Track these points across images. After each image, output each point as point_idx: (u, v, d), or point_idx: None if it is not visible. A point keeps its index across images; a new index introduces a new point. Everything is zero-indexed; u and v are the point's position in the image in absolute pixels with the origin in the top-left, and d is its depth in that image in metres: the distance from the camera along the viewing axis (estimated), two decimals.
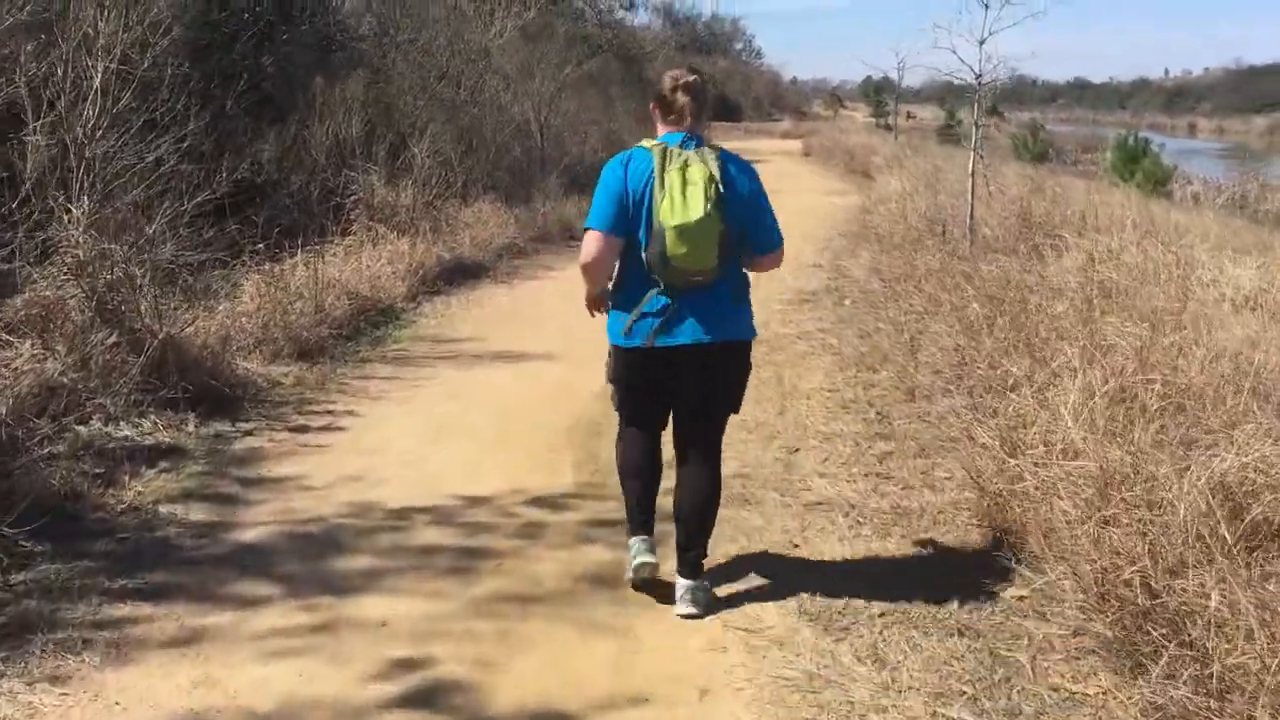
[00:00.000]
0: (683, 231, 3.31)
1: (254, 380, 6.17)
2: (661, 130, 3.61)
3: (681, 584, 3.60)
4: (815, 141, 30.99)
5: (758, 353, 6.90)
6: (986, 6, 8.77)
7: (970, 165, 9.14)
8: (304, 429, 5.55)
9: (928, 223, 10.05)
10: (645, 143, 3.55)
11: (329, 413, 5.83)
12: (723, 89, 45.37)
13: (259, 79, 10.49)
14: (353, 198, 9.58)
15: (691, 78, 3.60)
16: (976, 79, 9.03)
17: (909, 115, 46.68)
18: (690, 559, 3.62)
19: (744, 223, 3.47)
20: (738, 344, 3.57)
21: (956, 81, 9.23)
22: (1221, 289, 7.30)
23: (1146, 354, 4.51)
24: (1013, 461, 3.87)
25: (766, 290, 9.11)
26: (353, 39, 12.37)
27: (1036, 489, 3.56)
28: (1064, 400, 4.04)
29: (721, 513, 3.85)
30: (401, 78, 12.39)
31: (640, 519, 3.69)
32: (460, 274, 9.77)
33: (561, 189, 13.91)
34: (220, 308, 6.80)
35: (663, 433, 3.76)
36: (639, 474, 3.70)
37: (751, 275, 3.67)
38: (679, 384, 3.56)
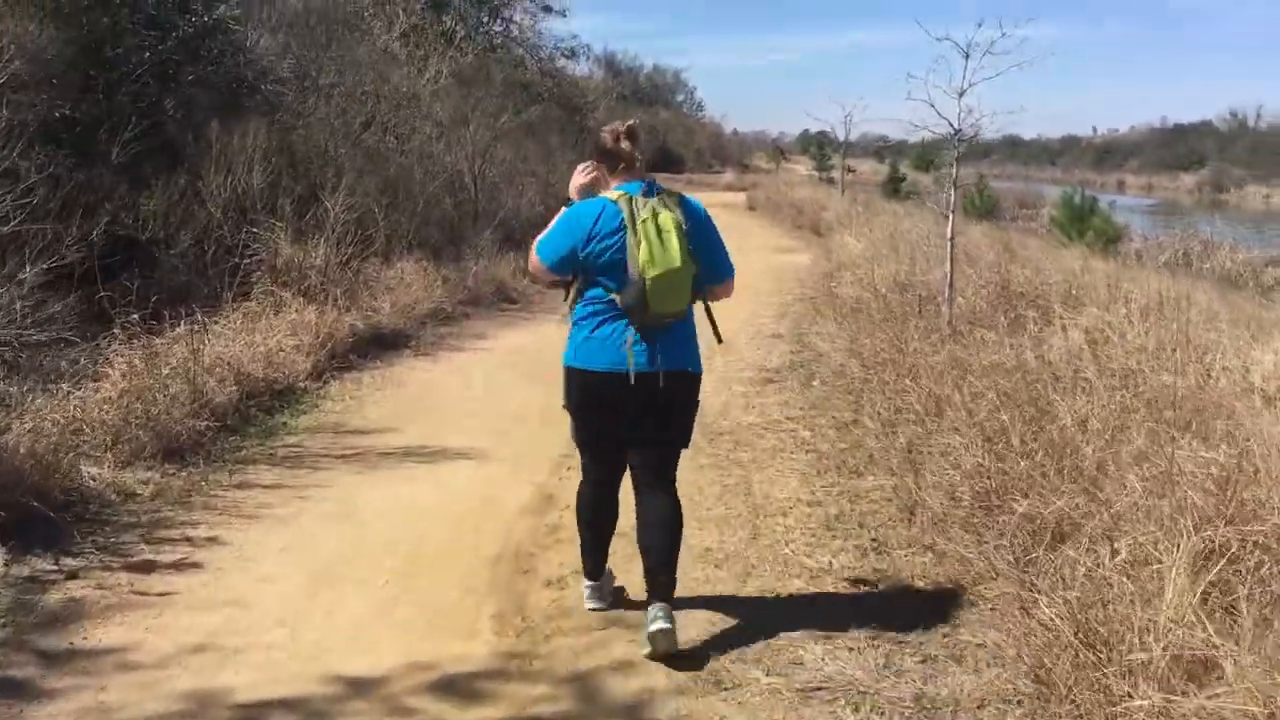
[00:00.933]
0: (664, 279, 3.46)
1: (100, 493, 4.92)
2: (615, 181, 3.71)
3: (655, 607, 3.62)
4: (760, 194, 30.24)
5: (720, 448, 5.77)
6: (967, 56, 7.85)
7: (949, 230, 8.16)
8: (148, 567, 4.29)
9: (899, 290, 9.06)
10: (608, 194, 3.63)
11: (186, 540, 4.58)
12: (665, 140, 44.79)
13: (159, 121, 9.30)
14: (253, 258, 8.36)
15: (630, 124, 3.76)
16: (954, 133, 8.09)
17: (850, 169, 46.33)
18: (661, 583, 3.67)
19: (704, 258, 3.62)
20: (689, 375, 3.71)
21: (930, 135, 8.27)
22: (1246, 376, 6.34)
23: (1232, 490, 3.46)
24: (1092, 658, 2.77)
25: (725, 366, 8.03)
26: (268, 81, 11.21)
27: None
28: (1147, 562, 2.96)
29: (691, 705, 3.29)
30: (322, 124, 11.24)
31: (593, 564, 3.91)
32: (377, 345, 8.57)
33: (495, 245, 12.79)
34: (71, 396, 5.54)
35: (620, 479, 3.84)
36: (594, 524, 3.87)
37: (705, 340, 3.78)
38: (631, 413, 3.64)
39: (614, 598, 3.99)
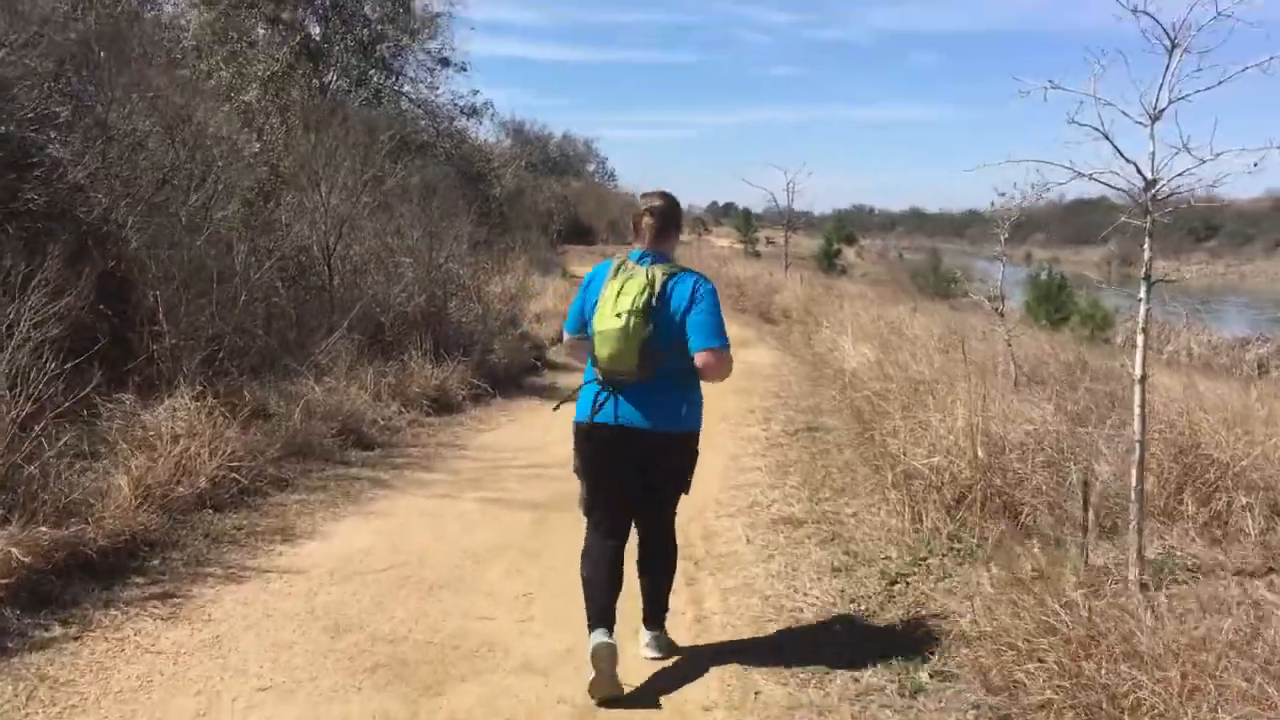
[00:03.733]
0: (605, 336, 3.65)
1: None
2: (634, 247, 3.88)
3: (645, 633, 3.97)
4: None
5: None
6: (1173, 45, 4.12)
7: (1138, 364, 4.34)
8: None
9: (999, 451, 5.25)
10: (614, 257, 3.89)
11: None
12: (576, 210, 41.19)
13: None
14: None
15: (657, 203, 3.88)
16: (1147, 186, 4.34)
17: (768, 240, 43.29)
18: (653, 611, 3.98)
19: (681, 327, 3.68)
20: (670, 435, 3.74)
21: (1114, 192, 4.45)
22: None
23: None
24: None
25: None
26: None
27: None
28: None
29: None
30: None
31: (600, 614, 3.73)
32: (81, 579, 4.44)
33: (352, 355, 8.74)
34: None
35: (626, 540, 3.88)
36: (598, 578, 3.78)
37: None
38: (623, 466, 3.77)
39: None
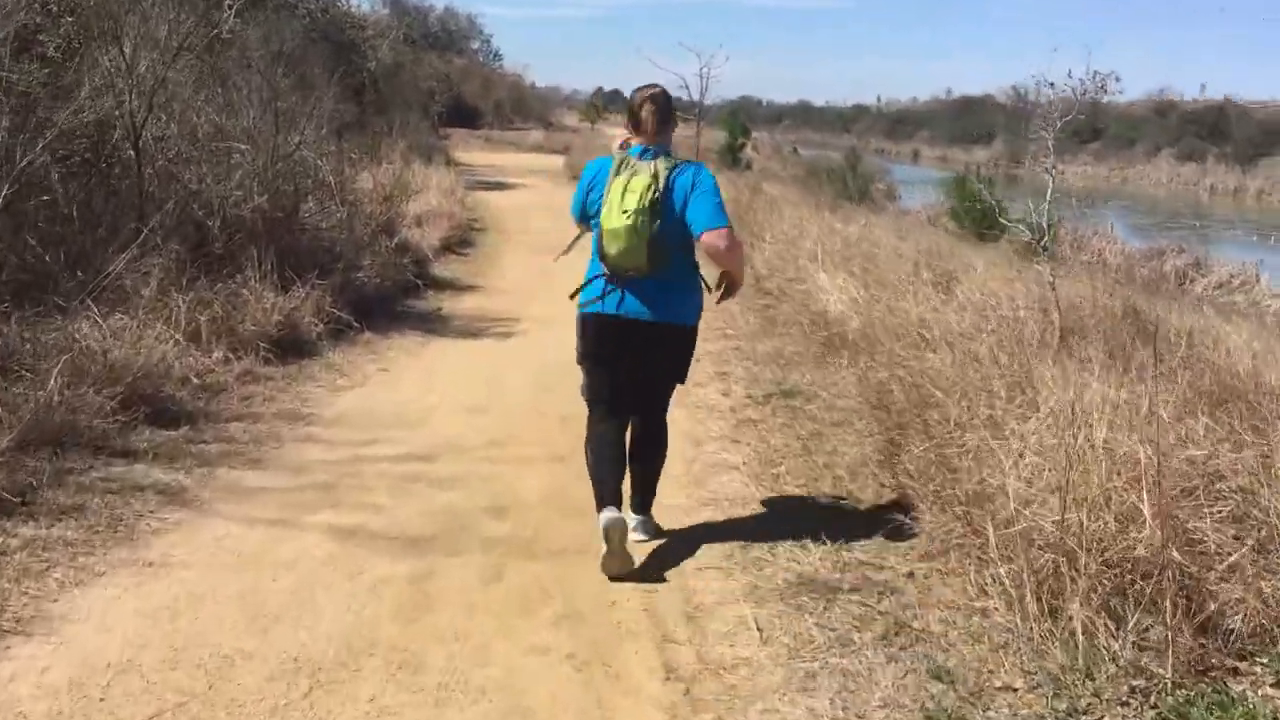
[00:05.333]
0: (614, 234, 3.69)
1: None
2: (633, 142, 3.91)
3: (633, 518, 4.00)
4: (581, 160, 24.11)
5: None
6: None
7: None
8: None
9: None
10: (615, 153, 3.90)
11: None
12: (460, 91, 37.74)
13: None
14: None
15: (654, 90, 3.91)
16: None
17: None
18: (643, 498, 4.09)
19: (683, 217, 3.74)
20: (672, 326, 3.89)
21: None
22: None
23: None
24: None
25: None
26: None
27: None
28: None
29: None
30: None
31: (608, 495, 3.80)
32: None
33: (168, 271, 6.30)
34: None
35: (627, 427, 3.98)
36: (603, 461, 3.92)
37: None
38: (625, 356, 3.88)
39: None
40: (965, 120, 77.57)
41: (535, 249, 12.15)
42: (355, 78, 20.86)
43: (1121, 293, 6.79)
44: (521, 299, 9.18)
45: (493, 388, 6.27)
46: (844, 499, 4.47)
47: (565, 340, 7.57)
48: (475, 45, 54.34)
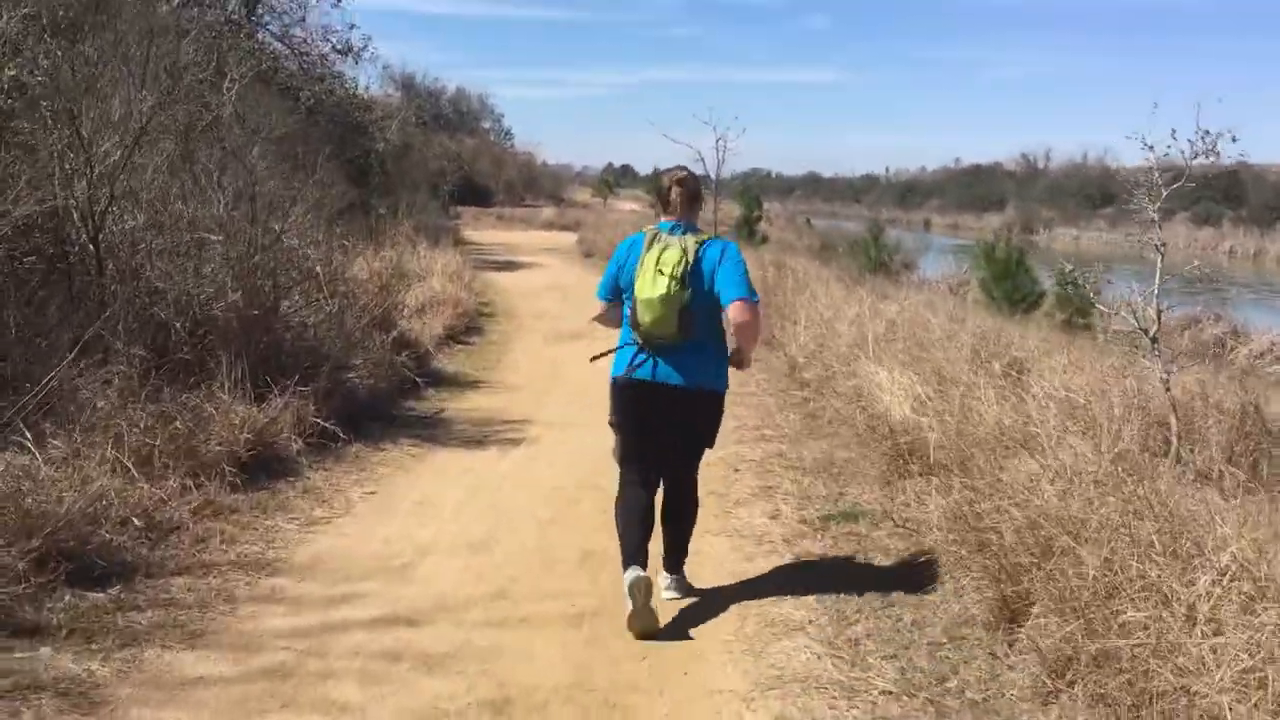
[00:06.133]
0: (648, 304, 3.88)
1: None
2: (662, 219, 4.11)
3: (666, 576, 4.20)
4: (593, 237, 23.41)
5: None
6: None
7: None
8: None
9: None
10: (646, 229, 4.08)
11: None
12: (470, 170, 37.27)
13: None
14: None
15: (683, 174, 4.14)
16: None
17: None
18: (675, 556, 4.22)
19: (712, 288, 3.94)
20: (700, 392, 4.00)
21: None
22: None
23: None
24: None
25: None
26: None
27: None
28: None
29: None
30: None
31: (634, 553, 3.94)
32: None
33: (130, 381, 5.36)
34: None
35: (656, 490, 4.13)
36: (632, 522, 4.04)
37: None
38: (656, 420, 4.01)
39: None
40: (975, 188, 77.18)
41: (547, 336, 11.24)
42: (361, 160, 20.28)
43: (1233, 387, 5.77)
44: (533, 396, 8.22)
45: (498, 515, 5.28)
46: (950, 682, 3.41)
47: (582, 448, 6.64)
48: (487, 125, 54.26)
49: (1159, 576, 3.07)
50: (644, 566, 3.87)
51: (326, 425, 6.21)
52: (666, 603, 4.09)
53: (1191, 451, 4.78)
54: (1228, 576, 2.97)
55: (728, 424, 7.06)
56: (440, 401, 7.84)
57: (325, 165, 10.03)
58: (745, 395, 8.19)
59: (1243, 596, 2.89)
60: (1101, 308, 6.13)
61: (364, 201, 16.17)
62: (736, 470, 6.01)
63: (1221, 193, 56.25)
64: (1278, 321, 20.16)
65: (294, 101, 17.38)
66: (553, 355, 10.03)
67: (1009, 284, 18.21)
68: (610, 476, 5.72)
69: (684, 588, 4.22)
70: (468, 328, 11.38)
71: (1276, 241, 45.42)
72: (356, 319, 7.75)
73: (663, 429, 4.02)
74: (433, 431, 6.91)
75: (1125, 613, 2.93)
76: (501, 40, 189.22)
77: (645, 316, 3.88)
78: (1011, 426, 5.04)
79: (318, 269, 7.56)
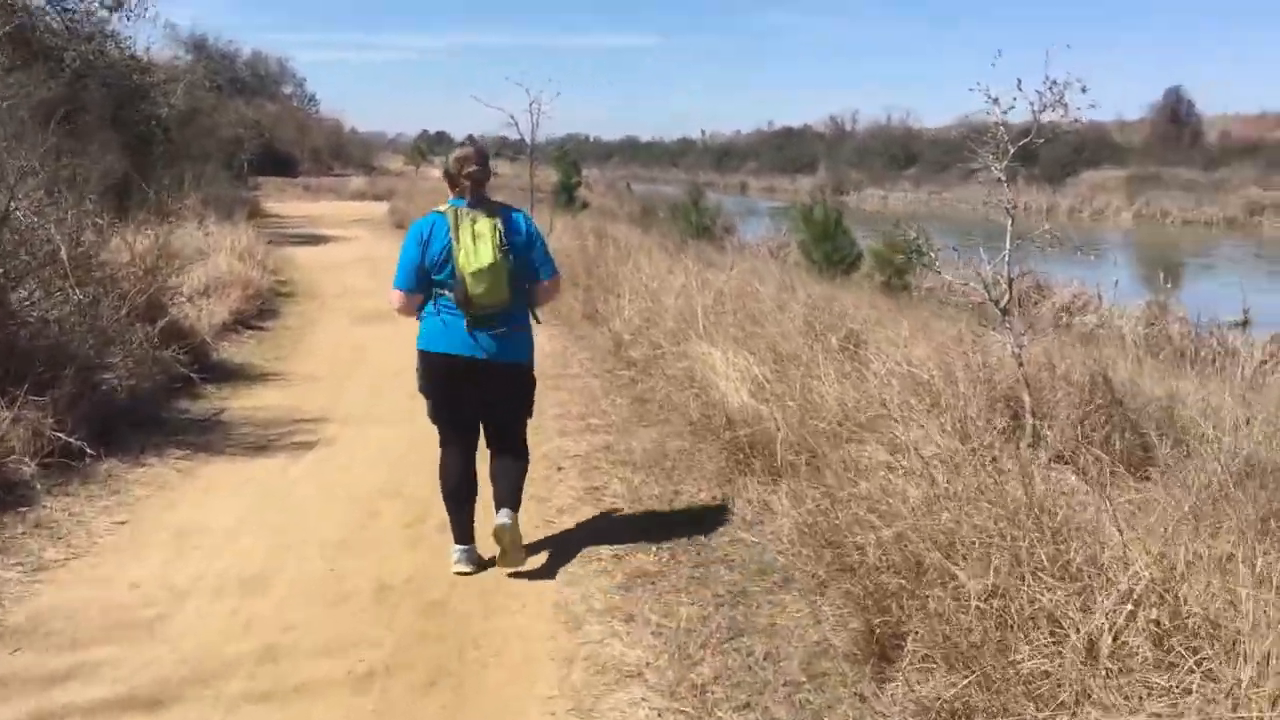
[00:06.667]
0: (477, 275, 3.91)
1: None
2: (452, 196, 4.09)
3: (504, 510, 4.07)
4: (405, 206, 22.17)
5: None
6: None
7: None
8: None
9: None
10: (440, 208, 4.06)
11: None
12: (271, 138, 34.98)
13: None
14: None
15: (468, 153, 4.09)
16: None
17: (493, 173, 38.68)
18: (506, 509, 4.09)
19: (526, 259, 4.06)
20: (515, 364, 4.10)
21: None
22: None
23: None
24: None
25: None
26: None
27: None
28: None
29: None
30: None
31: (460, 530, 4.14)
32: None
33: None
34: None
35: (476, 446, 4.18)
36: (455, 493, 4.14)
37: None
38: (473, 393, 4.08)
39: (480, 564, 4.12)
40: (788, 150, 78.60)
41: (353, 316, 10.28)
42: (142, 128, 18.45)
43: (1080, 354, 5.49)
44: (331, 388, 7.31)
45: (280, 540, 4.46)
46: None
47: (384, 447, 5.85)
48: (288, 90, 51.38)
49: (1052, 601, 2.59)
50: (471, 542, 4.09)
51: (70, 440, 5.19)
52: (471, 655, 3.41)
53: (1047, 429, 4.42)
54: (1131, 601, 2.51)
55: (549, 413, 6.44)
56: (220, 400, 6.85)
57: (97, 133, 8.74)
58: (568, 377, 7.54)
59: (1152, 626, 2.43)
60: (948, 278, 5.74)
61: (144, 173, 14.57)
62: (560, 469, 5.36)
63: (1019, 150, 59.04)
64: (1074, 273, 20.90)
65: (56, 63, 15.60)
66: (357, 338, 9.10)
67: (829, 245, 18.18)
68: (414, 480, 5.03)
69: (514, 520, 4.13)
70: (261, 310, 10.27)
71: (1067, 197, 48.05)
72: (115, 309, 6.66)
73: (478, 400, 4.08)
74: (208, 438, 5.96)
75: (1021, 656, 2.42)
76: (305, 2, 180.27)
77: (477, 288, 3.90)
78: (855, 408, 4.57)
79: (62, 252, 6.42)
